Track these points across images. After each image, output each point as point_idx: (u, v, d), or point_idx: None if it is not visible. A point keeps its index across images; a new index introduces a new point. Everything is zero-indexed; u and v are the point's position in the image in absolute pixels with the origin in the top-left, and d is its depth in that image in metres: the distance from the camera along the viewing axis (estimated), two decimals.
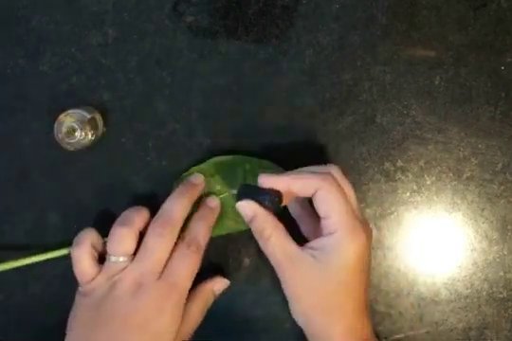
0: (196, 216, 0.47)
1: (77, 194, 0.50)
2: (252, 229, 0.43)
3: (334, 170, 0.44)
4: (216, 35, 0.50)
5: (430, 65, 0.50)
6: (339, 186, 0.42)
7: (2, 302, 0.51)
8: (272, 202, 0.42)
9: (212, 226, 0.48)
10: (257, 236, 0.43)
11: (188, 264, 0.45)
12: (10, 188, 0.50)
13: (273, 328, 0.51)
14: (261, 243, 0.43)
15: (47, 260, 0.47)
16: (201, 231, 0.46)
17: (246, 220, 0.43)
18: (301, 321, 0.43)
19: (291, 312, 0.43)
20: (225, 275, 0.50)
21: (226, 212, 0.49)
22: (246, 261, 0.51)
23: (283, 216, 0.45)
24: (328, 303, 0.42)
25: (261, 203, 0.42)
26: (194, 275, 0.45)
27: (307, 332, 0.43)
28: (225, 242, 0.50)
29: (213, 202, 0.48)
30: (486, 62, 0.50)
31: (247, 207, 0.43)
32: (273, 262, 0.43)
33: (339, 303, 0.42)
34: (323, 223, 0.42)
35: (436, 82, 0.50)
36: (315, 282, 0.42)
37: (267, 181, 0.42)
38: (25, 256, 0.46)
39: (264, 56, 0.50)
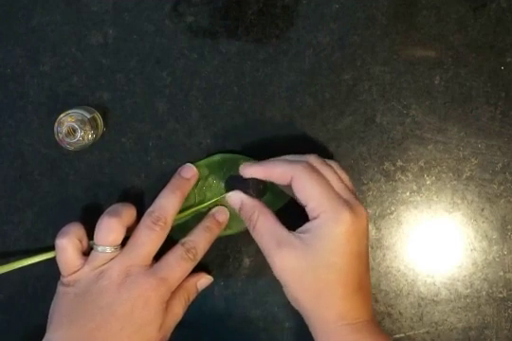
0: (203, 225, 0.47)
1: (77, 194, 0.50)
2: (243, 218, 0.44)
3: (311, 157, 0.44)
4: (216, 35, 0.50)
5: (430, 65, 0.50)
6: (312, 171, 0.42)
7: (2, 302, 0.51)
8: (256, 189, 0.44)
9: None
10: (247, 223, 0.44)
11: (181, 267, 0.45)
12: (10, 188, 0.50)
13: (273, 327, 0.51)
14: (250, 230, 0.44)
15: (47, 261, 0.46)
16: (202, 242, 0.46)
17: (236, 209, 0.45)
18: (294, 305, 0.43)
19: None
20: (225, 275, 0.50)
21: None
22: (246, 261, 0.51)
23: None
24: (317, 287, 0.41)
25: (246, 191, 0.44)
26: (182, 279, 0.46)
27: (303, 315, 0.43)
28: (225, 242, 0.50)
29: (222, 216, 0.48)
30: (486, 62, 0.50)
31: (234, 197, 0.45)
32: (261, 247, 0.43)
33: (328, 287, 0.41)
34: (306, 209, 0.42)
35: (436, 82, 0.50)
36: (302, 266, 0.41)
37: (247, 171, 0.44)
38: (24, 256, 0.46)
39: (264, 56, 0.50)
